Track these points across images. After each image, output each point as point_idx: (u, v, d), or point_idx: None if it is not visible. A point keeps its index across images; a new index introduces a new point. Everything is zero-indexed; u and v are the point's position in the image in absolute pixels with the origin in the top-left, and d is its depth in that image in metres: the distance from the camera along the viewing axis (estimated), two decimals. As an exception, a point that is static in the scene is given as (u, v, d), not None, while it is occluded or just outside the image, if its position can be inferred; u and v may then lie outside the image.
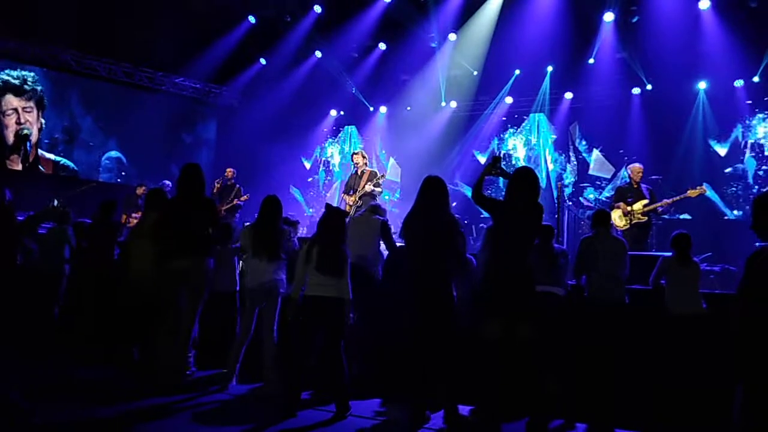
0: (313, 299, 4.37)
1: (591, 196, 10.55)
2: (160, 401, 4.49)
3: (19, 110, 10.80)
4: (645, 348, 4.69)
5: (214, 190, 9.44)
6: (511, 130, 12.01)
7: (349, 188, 8.07)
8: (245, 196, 9.29)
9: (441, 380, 4.24)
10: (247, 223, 7.10)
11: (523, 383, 4.04)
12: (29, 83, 10.96)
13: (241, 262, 5.86)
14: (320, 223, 4.57)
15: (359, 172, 8.04)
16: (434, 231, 4.26)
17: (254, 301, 5.00)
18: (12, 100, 10.75)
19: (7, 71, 10.74)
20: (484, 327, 4.05)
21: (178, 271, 4.79)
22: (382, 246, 5.45)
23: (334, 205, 5.51)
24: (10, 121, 10.67)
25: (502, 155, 4.50)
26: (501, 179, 4.49)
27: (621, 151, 10.39)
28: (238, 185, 9.51)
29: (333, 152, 13.81)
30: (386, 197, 10.89)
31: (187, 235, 4.83)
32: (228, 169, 9.63)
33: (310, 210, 12.78)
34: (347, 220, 4.80)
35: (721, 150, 9.78)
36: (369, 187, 7.73)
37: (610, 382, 4.48)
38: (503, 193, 4.34)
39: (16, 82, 10.81)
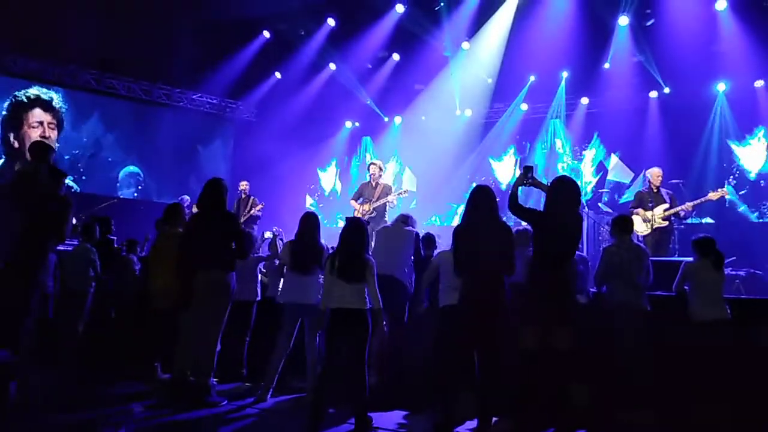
0: (337, 311, 4.36)
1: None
2: (188, 416, 4.49)
3: (45, 124, 11.20)
4: (669, 355, 4.59)
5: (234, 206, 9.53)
6: (528, 137, 11.95)
7: (359, 196, 8.08)
8: (260, 205, 9.34)
9: (490, 391, 4.12)
10: (268, 233, 7.12)
11: (552, 393, 3.97)
12: (56, 102, 11.40)
13: (260, 275, 5.91)
14: (341, 233, 4.60)
15: (374, 183, 8.05)
16: (493, 240, 4.15)
17: (293, 316, 5.05)
18: (40, 114, 11.16)
19: (37, 86, 11.20)
20: (521, 336, 3.99)
21: (199, 286, 4.79)
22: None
23: (350, 215, 5.54)
24: (35, 133, 11.03)
25: (532, 165, 4.47)
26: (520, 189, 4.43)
27: (639, 156, 10.26)
28: (252, 196, 9.57)
29: (349, 163, 13.87)
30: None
31: (208, 250, 4.84)
32: (241, 182, 9.68)
33: (327, 222, 12.80)
34: (370, 229, 4.79)
35: (742, 152, 9.63)
36: (391, 197, 7.78)
37: (633, 390, 4.39)
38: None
39: (46, 98, 11.28)
